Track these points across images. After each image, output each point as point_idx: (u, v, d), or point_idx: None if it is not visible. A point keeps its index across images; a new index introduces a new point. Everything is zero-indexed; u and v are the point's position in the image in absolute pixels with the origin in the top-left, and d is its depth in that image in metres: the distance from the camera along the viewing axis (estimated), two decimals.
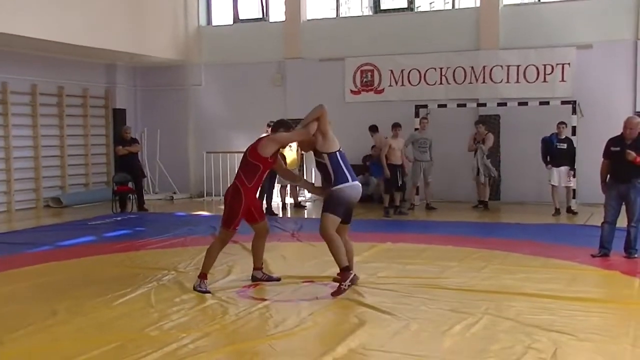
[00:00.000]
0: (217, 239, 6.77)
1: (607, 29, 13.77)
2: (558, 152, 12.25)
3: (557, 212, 12.32)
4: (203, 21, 17.17)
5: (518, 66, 14.34)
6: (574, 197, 13.03)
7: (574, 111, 13.13)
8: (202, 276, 6.55)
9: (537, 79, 14.25)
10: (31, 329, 5.35)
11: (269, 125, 13.04)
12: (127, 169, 14.05)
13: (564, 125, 12.27)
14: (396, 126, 12.87)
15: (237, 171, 6.59)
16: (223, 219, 6.61)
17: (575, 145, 12.32)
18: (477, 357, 4.64)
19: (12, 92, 13.96)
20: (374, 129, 13.77)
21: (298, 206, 14.34)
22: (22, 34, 12.11)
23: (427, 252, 8.64)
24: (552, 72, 14.14)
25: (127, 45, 14.67)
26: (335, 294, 6.19)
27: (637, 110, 13.17)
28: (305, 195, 15.22)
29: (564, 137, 12.23)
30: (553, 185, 12.38)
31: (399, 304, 5.94)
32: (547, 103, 13.46)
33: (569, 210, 12.40)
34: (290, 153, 13.23)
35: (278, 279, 6.95)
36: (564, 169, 12.30)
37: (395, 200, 12.95)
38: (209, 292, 6.38)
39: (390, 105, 15.13)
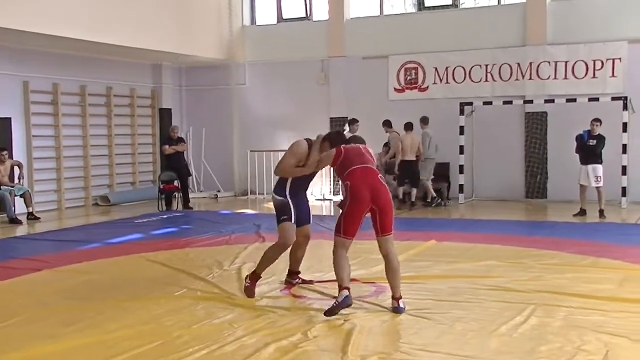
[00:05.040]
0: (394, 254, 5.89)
1: None
2: (588, 149, 11.68)
3: (582, 212, 11.78)
4: (247, 21, 17.30)
5: (566, 62, 14.05)
6: (623, 195, 12.72)
7: (625, 107, 12.81)
8: (341, 288, 5.62)
9: (586, 74, 13.94)
10: (82, 325, 5.46)
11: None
12: (173, 167, 14.23)
13: (597, 123, 11.61)
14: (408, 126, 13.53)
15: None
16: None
17: (604, 144, 11.62)
18: (525, 357, 4.56)
19: (62, 92, 14.29)
20: (387, 124, 13.79)
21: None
22: (71, 36, 12.39)
23: (472, 251, 8.53)
24: (602, 67, 13.81)
25: (173, 45, 14.88)
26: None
27: None
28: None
29: (596, 134, 11.73)
30: (581, 185, 11.85)
31: (445, 303, 5.87)
32: (597, 99, 13.16)
33: (601, 213, 11.60)
34: None
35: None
36: (591, 167, 11.63)
37: (412, 196, 13.35)
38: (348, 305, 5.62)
39: (435, 103, 15.01)
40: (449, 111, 14.39)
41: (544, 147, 14.25)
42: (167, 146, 14.23)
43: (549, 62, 14.17)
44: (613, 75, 13.76)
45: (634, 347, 4.72)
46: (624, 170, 12.77)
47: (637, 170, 12.10)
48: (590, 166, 11.69)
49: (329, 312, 5.51)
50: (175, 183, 14.25)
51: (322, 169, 6.57)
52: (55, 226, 12.04)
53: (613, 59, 13.74)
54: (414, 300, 5.99)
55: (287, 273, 6.81)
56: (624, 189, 12.81)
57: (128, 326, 5.41)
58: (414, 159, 13.32)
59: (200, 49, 15.84)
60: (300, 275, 6.81)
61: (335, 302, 5.56)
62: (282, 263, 7.83)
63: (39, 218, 12.59)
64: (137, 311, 5.88)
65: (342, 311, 5.59)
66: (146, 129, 16.77)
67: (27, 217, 12.48)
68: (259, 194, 16.16)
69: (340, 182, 6.31)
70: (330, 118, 15.97)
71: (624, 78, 13.63)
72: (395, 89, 15.58)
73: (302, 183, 6.35)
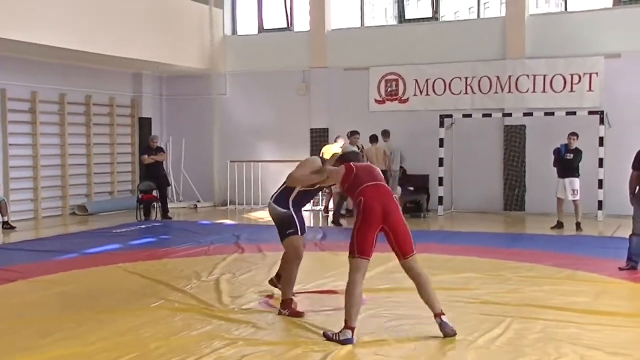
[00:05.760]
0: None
1: (636, 38, 13.58)
2: (566, 162, 11.81)
3: (559, 225, 11.89)
4: (228, 30, 17.30)
5: (545, 75, 14.22)
6: (600, 209, 12.87)
7: (602, 121, 12.97)
8: (347, 326, 5.25)
9: (564, 88, 14.11)
10: (58, 336, 5.39)
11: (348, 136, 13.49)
12: (152, 177, 14.17)
13: (574, 137, 11.75)
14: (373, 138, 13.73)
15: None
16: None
17: (581, 157, 11.76)
18: None
19: (40, 101, 14.17)
20: (373, 139, 13.87)
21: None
22: (51, 44, 12.30)
23: (451, 263, 8.57)
24: (579, 81, 13.99)
25: (154, 54, 14.83)
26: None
27: None
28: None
29: (573, 147, 11.84)
30: (559, 198, 11.96)
31: (423, 315, 5.88)
32: (574, 113, 13.30)
33: (578, 226, 11.69)
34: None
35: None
36: (568, 181, 11.76)
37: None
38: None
39: (415, 114, 15.11)
40: (429, 123, 14.48)
41: (523, 160, 14.38)
42: (146, 156, 14.17)
43: (527, 76, 14.34)
44: (590, 90, 13.94)
45: None
46: (600, 183, 12.92)
47: (613, 183, 12.24)
48: (567, 179, 11.81)
49: (326, 337, 5.27)
50: (154, 193, 14.18)
51: (329, 184, 6.49)
52: (31, 236, 11.89)
53: (590, 74, 13.92)
54: (392, 312, 6.00)
55: (275, 275, 6.70)
56: (600, 202, 12.96)
57: (105, 338, 5.36)
58: (384, 168, 13.18)
59: (181, 58, 15.80)
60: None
61: (335, 336, 5.19)
62: (260, 274, 7.84)
63: (15, 227, 12.43)
64: (115, 322, 5.83)
65: (322, 323, 5.59)
66: (125, 138, 16.66)
67: (3, 227, 12.33)
68: (238, 204, 16.12)
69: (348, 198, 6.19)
70: (311, 129, 15.99)
71: (601, 92, 13.81)
72: (376, 101, 15.66)
73: (303, 198, 6.22)
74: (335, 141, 14.05)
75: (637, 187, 8.03)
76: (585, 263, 8.44)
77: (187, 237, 11.14)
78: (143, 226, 12.97)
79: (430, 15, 15.75)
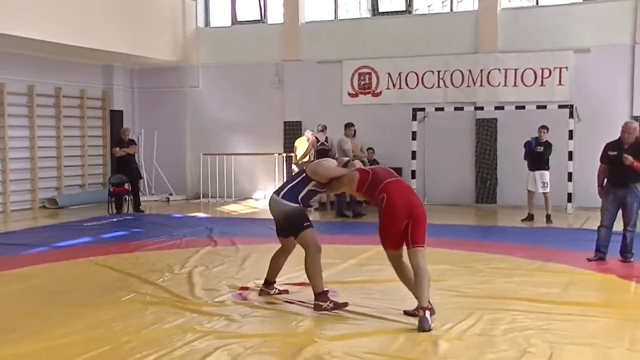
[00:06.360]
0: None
1: (605, 33, 13.77)
2: (536, 155, 11.94)
3: (530, 217, 12.03)
4: (201, 22, 17.17)
5: (516, 70, 14.34)
6: (569, 201, 13.04)
7: (571, 115, 13.14)
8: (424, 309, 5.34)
9: (534, 82, 14.25)
10: (26, 331, 5.32)
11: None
12: (124, 170, 14.05)
13: (545, 130, 11.90)
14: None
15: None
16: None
17: (551, 150, 11.91)
18: None
19: (9, 93, 13.93)
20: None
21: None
22: (20, 35, 12.09)
23: None
24: (549, 75, 14.14)
25: (125, 46, 14.65)
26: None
27: (635, 114, 13.18)
28: None
29: (544, 140, 11.95)
30: (529, 191, 12.11)
31: (394, 307, 5.92)
32: (545, 107, 13.45)
33: (548, 218, 11.86)
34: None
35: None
36: (538, 174, 11.91)
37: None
38: None
39: (388, 108, 15.15)
40: (402, 116, 14.53)
41: (494, 153, 14.51)
42: (117, 148, 14.06)
43: (499, 70, 14.45)
44: (560, 84, 14.10)
45: (578, 350, 4.84)
46: (570, 176, 13.09)
47: (582, 176, 12.39)
48: (537, 172, 11.95)
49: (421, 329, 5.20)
50: (126, 186, 14.05)
51: (338, 190, 6.47)
52: (0, 229, 11.71)
53: (560, 68, 14.08)
54: (365, 305, 6.03)
55: (263, 282, 6.50)
56: (569, 194, 13.13)
57: (76, 332, 5.31)
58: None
59: (153, 50, 15.63)
60: (275, 285, 6.54)
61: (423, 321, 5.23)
62: (233, 267, 7.82)
63: None
64: (85, 316, 5.77)
65: (296, 316, 5.60)
66: (96, 130, 16.46)
67: None
68: (211, 197, 16.04)
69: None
70: (284, 122, 15.95)
71: (571, 87, 13.98)
72: (349, 94, 15.67)
73: (308, 198, 6.19)
74: (303, 134, 14.21)
75: (605, 180, 8.18)
76: (555, 255, 8.55)
77: (159, 230, 11.07)
78: (115, 219, 12.85)
79: (404, 9, 15.78)
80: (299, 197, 6.05)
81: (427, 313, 5.31)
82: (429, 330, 5.22)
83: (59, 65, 15.03)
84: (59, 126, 15.24)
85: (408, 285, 5.68)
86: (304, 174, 6.18)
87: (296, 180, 6.16)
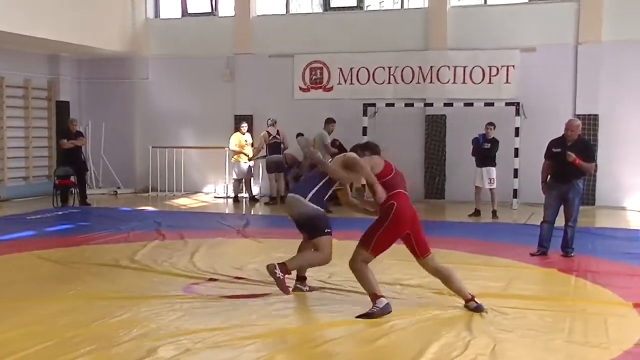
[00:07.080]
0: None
1: (550, 32, 14.11)
2: (483, 152, 12.20)
3: (477, 213, 12.29)
4: (151, 13, 16.91)
5: (465, 67, 14.58)
6: (515, 197, 13.34)
7: (518, 113, 13.43)
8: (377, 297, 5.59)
9: (483, 80, 14.51)
10: None
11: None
12: (70, 162, 13.78)
13: (492, 127, 12.16)
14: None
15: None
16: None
17: (498, 147, 12.19)
18: (418, 352, 4.68)
19: None
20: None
21: (253, 200, 14.30)
22: None
23: None
24: (497, 73, 14.41)
25: (72, 36, 14.32)
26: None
27: (578, 112, 13.55)
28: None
29: (491, 137, 12.21)
30: (476, 187, 12.36)
31: (339, 301, 5.97)
32: (492, 104, 13.70)
33: (494, 214, 12.09)
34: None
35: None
36: (485, 170, 12.17)
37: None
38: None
39: (340, 103, 15.20)
40: (353, 112, 14.61)
41: (443, 149, 14.72)
42: (65, 140, 13.78)
43: (448, 67, 14.65)
44: (507, 82, 14.38)
45: (520, 342, 4.98)
46: (515, 173, 13.40)
47: (527, 173, 12.68)
48: (485, 169, 12.19)
49: (368, 316, 5.42)
50: (72, 178, 13.78)
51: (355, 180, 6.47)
52: None
53: (507, 66, 14.36)
54: (312, 298, 6.06)
55: (296, 278, 6.40)
56: (515, 190, 13.44)
57: (19, 326, 5.19)
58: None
59: (101, 40, 15.32)
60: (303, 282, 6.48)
61: (375, 310, 5.46)
62: (182, 261, 7.75)
63: None
64: (29, 310, 5.65)
65: (251, 311, 5.62)
66: (42, 122, 16.08)
67: None
68: (160, 191, 15.85)
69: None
70: (235, 115, 15.86)
71: (517, 85, 14.28)
72: (301, 88, 15.67)
73: (325, 195, 6.16)
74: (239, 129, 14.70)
75: (549, 176, 8.40)
76: (500, 249, 8.75)
77: (106, 223, 10.89)
78: (60, 212, 12.57)
79: (355, 5, 15.86)
80: (323, 200, 6.12)
81: (476, 300, 5.65)
82: (485, 311, 5.58)
83: (1, 53, 14.59)
84: (1, 117, 14.83)
85: (367, 286, 5.66)
86: (327, 177, 6.02)
87: (320, 184, 6.04)
